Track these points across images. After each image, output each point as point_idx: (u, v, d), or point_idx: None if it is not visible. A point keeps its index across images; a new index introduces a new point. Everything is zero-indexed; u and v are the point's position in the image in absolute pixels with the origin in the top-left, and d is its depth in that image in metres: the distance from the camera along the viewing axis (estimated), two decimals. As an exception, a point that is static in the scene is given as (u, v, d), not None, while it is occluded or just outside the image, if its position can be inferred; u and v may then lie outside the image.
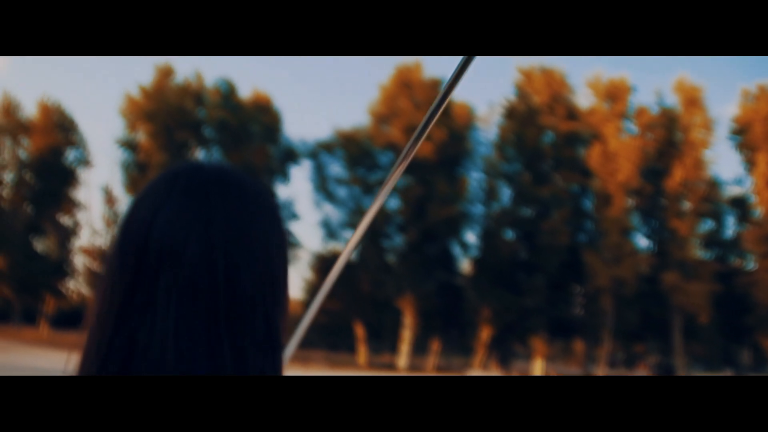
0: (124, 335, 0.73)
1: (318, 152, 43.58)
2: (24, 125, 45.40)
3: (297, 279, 43.11)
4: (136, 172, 43.04)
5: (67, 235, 46.72)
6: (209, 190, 0.78)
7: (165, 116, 42.38)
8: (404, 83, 44.00)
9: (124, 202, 44.73)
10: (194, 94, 43.94)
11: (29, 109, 47.14)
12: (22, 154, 45.81)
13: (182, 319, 0.72)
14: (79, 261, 46.43)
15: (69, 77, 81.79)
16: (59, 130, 45.50)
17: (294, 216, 44.87)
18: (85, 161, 46.63)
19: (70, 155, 46.38)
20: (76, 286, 47.46)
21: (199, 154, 43.96)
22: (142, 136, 43.43)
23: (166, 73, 44.00)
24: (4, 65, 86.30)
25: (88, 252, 45.41)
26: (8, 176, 45.56)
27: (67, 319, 48.16)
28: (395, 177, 1.11)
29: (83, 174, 47.64)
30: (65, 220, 46.92)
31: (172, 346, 0.71)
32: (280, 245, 0.82)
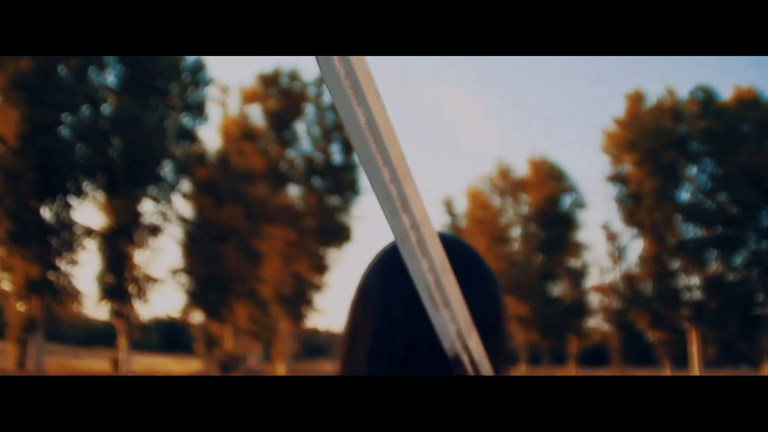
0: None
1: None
2: (520, 183, 49.71)
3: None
4: (630, 203, 42.92)
5: (577, 276, 48.72)
6: (388, 261, 0.97)
7: (647, 141, 41.56)
8: None
9: (624, 236, 44.86)
10: (671, 111, 42.24)
11: (520, 169, 51.71)
12: (523, 209, 50.01)
13: (371, 367, 0.91)
14: (594, 300, 47.62)
15: (546, 131, 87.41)
16: (551, 180, 48.45)
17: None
18: (580, 204, 48.48)
19: (566, 201, 48.78)
20: (596, 324, 48.64)
21: (690, 171, 41.75)
22: (628, 167, 43.28)
23: (637, 98, 43.45)
24: (494, 137, 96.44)
25: (601, 290, 46.40)
26: (516, 231, 50.13)
27: (592, 356, 49.77)
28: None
29: (581, 216, 49.28)
30: (573, 262, 49.00)
31: None
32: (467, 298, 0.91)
